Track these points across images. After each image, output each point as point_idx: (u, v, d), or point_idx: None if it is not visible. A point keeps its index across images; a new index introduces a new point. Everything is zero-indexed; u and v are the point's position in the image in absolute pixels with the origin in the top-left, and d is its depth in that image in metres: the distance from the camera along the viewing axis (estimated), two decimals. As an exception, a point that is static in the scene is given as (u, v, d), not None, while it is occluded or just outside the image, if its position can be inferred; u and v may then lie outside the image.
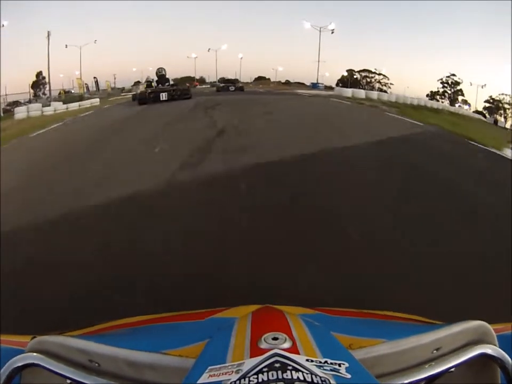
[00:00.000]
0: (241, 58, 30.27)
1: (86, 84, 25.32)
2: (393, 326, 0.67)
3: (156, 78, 13.47)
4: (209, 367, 0.38)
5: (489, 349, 0.46)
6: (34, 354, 0.45)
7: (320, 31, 25.53)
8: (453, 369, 0.47)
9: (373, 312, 0.82)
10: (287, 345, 0.41)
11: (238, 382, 0.35)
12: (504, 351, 0.46)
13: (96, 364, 0.46)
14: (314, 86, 28.32)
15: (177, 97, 11.37)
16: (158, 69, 13.20)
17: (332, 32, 24.83)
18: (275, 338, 0.42)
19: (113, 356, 0.45)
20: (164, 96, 11.18)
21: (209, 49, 27.94)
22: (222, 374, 0.37)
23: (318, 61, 26.88)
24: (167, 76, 12.77)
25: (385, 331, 0.54)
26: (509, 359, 0.45)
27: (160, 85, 12.32)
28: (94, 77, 24.50)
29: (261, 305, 0.63)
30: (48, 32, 20.86)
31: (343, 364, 0.37)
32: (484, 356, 0.46)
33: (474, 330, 0.49)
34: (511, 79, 14.87)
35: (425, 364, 0.47)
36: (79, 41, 22.10)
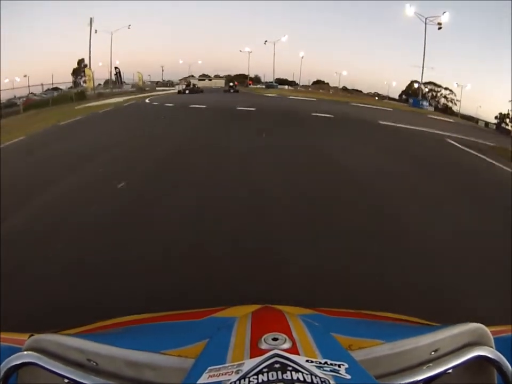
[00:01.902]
0: (302, 57, 24.50)
1: (115, 74, 23.23)
2: (392, 327, 0.67)
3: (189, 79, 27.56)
4: (209, 367, 0.38)
5: (486, 351, 0.47)
6: (31, 353, 0.44)
7: (425, 23, 17.20)
8: (450, 371, 0.47)
9: (372, 313, 0.82)
10: (287, 345, 0.41)
11: (237, 382, 0.35)
12: (502, 353, 0.46)
13: (94, 363, 0.45)
14: (415, 103, 19.07)
15: (194, 92, 23.21)
16: (187, 82, 26.14)
17: (439, 28, 17.38)
18: (275, 339, 0.42)
19: (111, 355, 0.45)
20: (187, 91, 23.30)
21: (266, 41, 24.00)
22: (222, 374, 0.37)
23: (422, 67, 17.70)
24: (194, 83, 26.28)
25: (384, 332, 0.54)
26: (506, 361, 0.46)
27: (187, 86, 25.53)
28: (116, 67, 23.13)
29: (260, 305, 0.63)
30: (91, 19, 20.51)
31: (343, 365, 0.37)
32: (481, 358, 0.47)
33: (471, 333, 0.49)
34: None
35: (424, 365, 0.48)
36: (122, 31, 21.59)
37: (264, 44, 24.42)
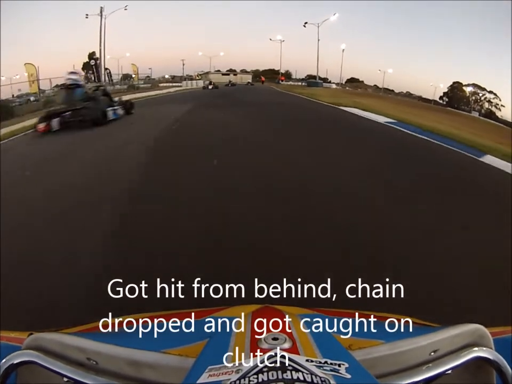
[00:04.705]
0: (343, 50, 19.07)
1: (92, 66, 18.91)
2: (392, 327, 0.67)
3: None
4: (209, 367, 0.38)
5: (485, 352, 0.47)
6: (30, 351, 0.44)
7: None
8: (449, 371, 0.47)
9: (372, 314, 0.82)
10: (287, 345, 0.41)
11: (238, 381, 0.35)
12: (501, 354, 0.46)
13: (94, 362, 0.45)
14: None
15: (232, 86, 22.18)
16: (229, 80, 24.60)
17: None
18: (275, 339, 0.42)
19: (111, 354, 0.45)
20: (229, 85, 21.80)
21: (305, 23, 17.99)
22: (222, 373, 0.37)
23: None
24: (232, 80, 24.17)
25: (384, 333, 0.54)
26: (505, 362, 0.46)
27: (229, 82, 24.07)
28: (92, 58, 18.33)
29: (260, 305, 0.63)
30: (101, 8, 17.09)
31: (343, 364, 0.37)
32: (480, 358, 0.47)
33: (471, 333, 0.49)
34: None
35: (423, 365, 0.48)
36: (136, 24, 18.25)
37: (304, 26, 18.41)
